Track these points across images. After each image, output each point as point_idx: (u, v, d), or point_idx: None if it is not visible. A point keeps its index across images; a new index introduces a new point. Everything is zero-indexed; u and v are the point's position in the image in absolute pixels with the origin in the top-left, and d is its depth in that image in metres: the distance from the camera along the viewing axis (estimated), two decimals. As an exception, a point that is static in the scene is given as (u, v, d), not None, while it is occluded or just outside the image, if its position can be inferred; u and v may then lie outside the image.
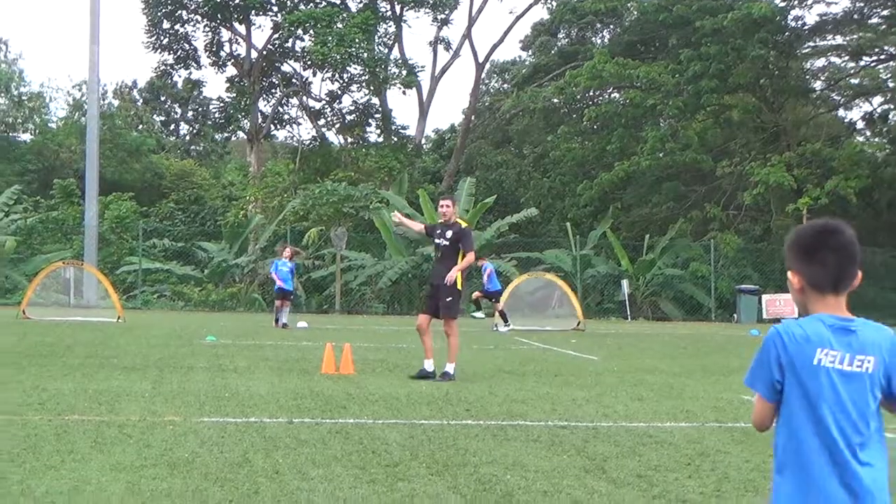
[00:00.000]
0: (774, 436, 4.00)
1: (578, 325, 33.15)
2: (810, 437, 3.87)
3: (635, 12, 58.84)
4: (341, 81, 58.54)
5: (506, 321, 31.98)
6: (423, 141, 66.77)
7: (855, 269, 3.97)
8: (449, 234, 16.07)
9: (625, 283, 45.45)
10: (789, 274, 4.09)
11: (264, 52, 58.73)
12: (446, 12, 59.70)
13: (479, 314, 36.25)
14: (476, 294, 34.99)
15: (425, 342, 16.12)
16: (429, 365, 16.04)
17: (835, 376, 3.86)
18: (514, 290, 34.24)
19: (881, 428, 3.91)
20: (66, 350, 19.58)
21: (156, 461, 8.74)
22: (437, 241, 16.25)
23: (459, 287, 16.05)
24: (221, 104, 61.11)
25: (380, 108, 59.71)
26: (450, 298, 15.99)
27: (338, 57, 52.77)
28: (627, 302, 45.14)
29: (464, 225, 16.73)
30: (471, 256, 16.19)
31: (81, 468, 8.35)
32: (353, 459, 9.06)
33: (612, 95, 59.85)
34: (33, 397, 12.61)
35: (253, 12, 57.58)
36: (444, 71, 61.01)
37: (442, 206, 16.60)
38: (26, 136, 68.13)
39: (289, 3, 56.75)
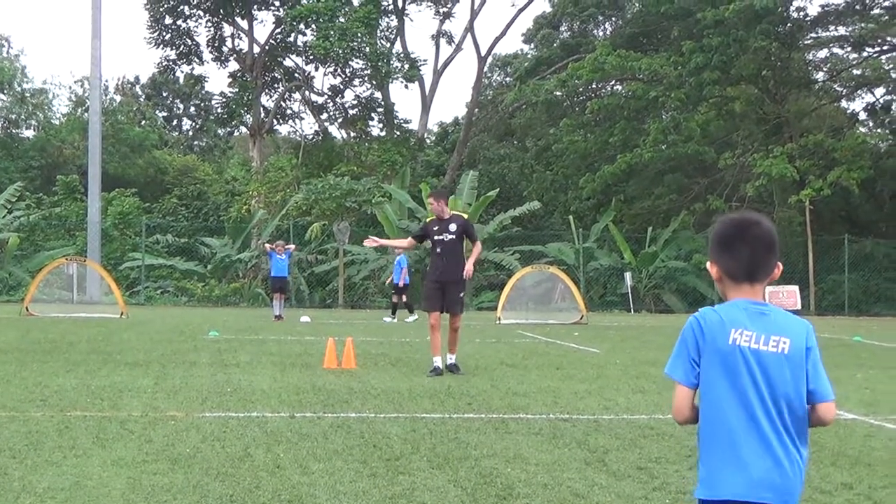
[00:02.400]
0: (700, 420, 4.21)
1: (581, 318, 33.16)
2: (732, 410, 4.05)
3: (637, 4, 58.80)
4: (343, 76, 58.53)
5: (411, 311, 32.83)
6: (426, 135, 66.76)
7: (771, 260, 4.16)
8: (453, 227, 16.05)
9: (627, 275, 45.47)
10: (708, 264, 4.29)
11: (266, 47, 58.72)
12: (448, 6, 59.71)
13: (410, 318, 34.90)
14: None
15: (437, 339, 16.07)
16: (439, 361, 15.99)
17: (749, 354, 4.03)
18: (517, 284, 34.26)
19: (802, 408, 4.05)
20: (69, 346, 19.61)
21: (157, 456, 8.75)
22: (438, 237, 16.10)
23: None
24: (224, 99, 61.09)
25: (382, 102, 59.67)
26: (463, 294, 16.11)
27: (340, 51, 52.77)
28: (630, 294, 45.16)
29: (466, 216, 16.77)
30: (479, 246, 16.33)
31: (83, 464, 8.37)
32: (354, 453, 9.08)
33: (615, 88, 59.79)
34: (35, 393, 12.64)
35: (255, 7, 57.62)
36: (446, 65, 61.06)
37: (432, 205, 16.53)
38: (29, 133, 68.13)
39: (290, -3, 56.71)
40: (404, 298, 33.19)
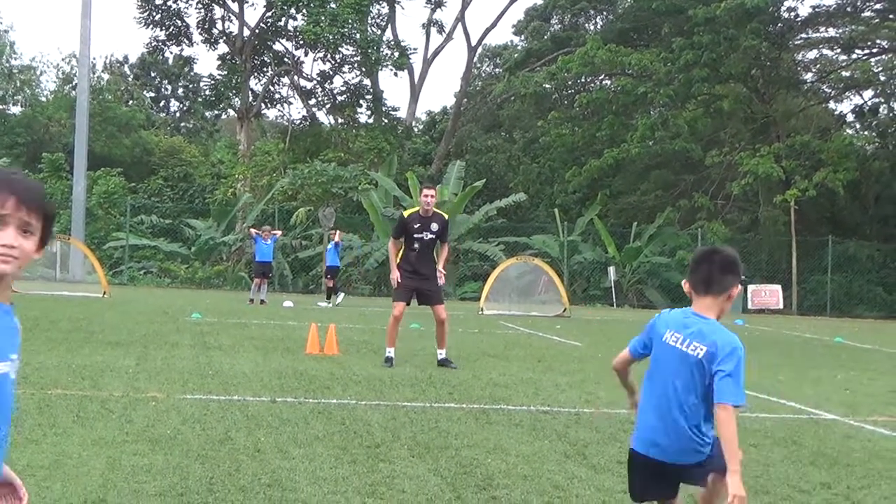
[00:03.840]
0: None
1: (564, 311, 33.21)
2: (653, 386, 5.46)
3: (629, -1, 58.88)
4: (333, 62, 58.41)
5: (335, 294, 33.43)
6: (414, 123, 66.73)
7: (726, 279, 5.33)
8: (435, 227, 15.65)
9: (611, 269, 45.56)
10: (683, 282, 5.63)
11: (256, 31, 58.53)
12: (439, -5, 59.64)
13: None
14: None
15: (395, 331, 15.77)
16: (393, 353, 15.64)
17: (671, 350, 5.32)
18: (501, 275, 34.30)
19: (704, 404, 5.23)
20: (51, 324, 19.54)
21: (137, 437, 8.74)
22: (419, 235, 15.57)
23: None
24: (212, 81, 60.89)
25: (371, 90, 59.58)
26: (440, 284, 15.94)
27: (330, 37, 52.66)
28: (613, 289, 45.25)
29: (447, 216, 16.61)
30: (448, 248, 16.36)
31: (63, 442, 8.35)
32: (334, 440, 9.08)
33: (604, 82, 59.87)
34: (20, 372, 12.57)
35: (246, -10, 57.38)
36: (436, 54, 61.00)
37: (426, 196, 15.82)
38: (16, 109, 67.86)
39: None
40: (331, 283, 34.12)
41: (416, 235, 15.57)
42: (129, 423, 9.41)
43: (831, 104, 60.33)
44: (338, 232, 35.49)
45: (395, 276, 15.63)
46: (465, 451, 8.88)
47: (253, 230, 35.54)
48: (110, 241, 47.30)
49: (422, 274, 15.68)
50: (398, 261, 15.73)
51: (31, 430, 8.77)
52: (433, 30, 61.35)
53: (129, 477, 7.32)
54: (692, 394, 5.21)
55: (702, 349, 5.15)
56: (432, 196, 15.84)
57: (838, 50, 55.33)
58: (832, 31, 54.46)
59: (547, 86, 57.79)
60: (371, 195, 45.97)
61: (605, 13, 65.59)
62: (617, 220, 53.02)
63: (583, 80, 58.98)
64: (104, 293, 31.45)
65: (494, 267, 37.40)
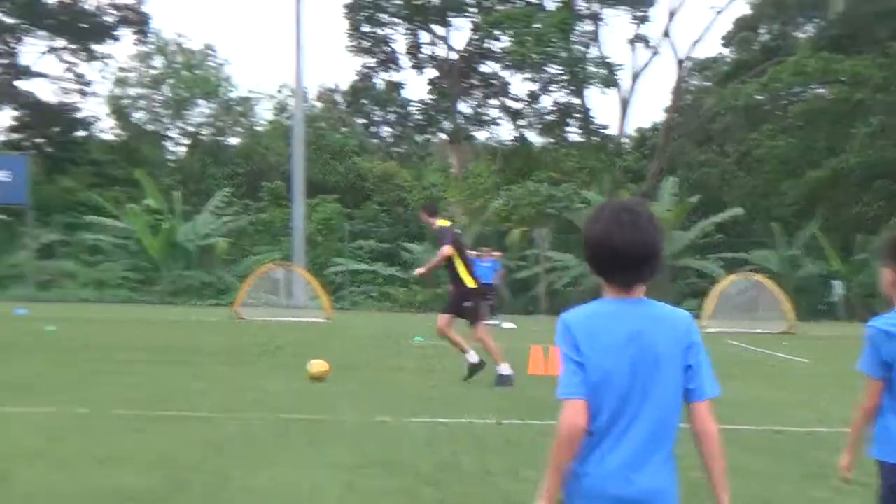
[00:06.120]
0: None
1: (789, 327, 32.40)
2: None
3: (841, 4, 57.16)
4: (540, 81, 58.50)
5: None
6: (624, 140, 66.23)
7: None
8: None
9: (836, 284, 44.19)
10: (885, 271, 4.79)
11: (463, 54, 59.10)
12: (645, 9, 59.05)
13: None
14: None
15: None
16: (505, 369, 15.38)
17: None
18: (722, 292, 33.71)
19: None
20: (278, 350, 20.05)
21: (369, 460, 8.84)
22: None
23: None
24: (422, 106, 61.77)
25: (580, 108, 59.43)
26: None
27: (536, 57, 52.76)
28: (840, 304, 43.86)
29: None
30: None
31: (299, 466, 8.51)
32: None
33: (818, 91, 58.25)
34: (249, 396, 12.94)
35: (451, 14, 58.01)
36: (643, 69, 60.38)
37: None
38: (235, 140, 70.11)
39: (486, 3, 56.99)
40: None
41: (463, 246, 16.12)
42: (362, 446, 9.53)
43: None
44: (488, 250, 35.13)
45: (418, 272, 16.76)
46: (694, 473, 8.64)
47: (470, 252, 35.70)
48: (330, 266, 48.35)
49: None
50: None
51: (269, 454, 8.98)
52: (640, 45, 60.81)
53: (364, 501, 7.41)
54: None
55: None
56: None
57: None
58: None
59: (759, 97, 56.55)
60: (584, 214, 45.77)
61: (815, 20, 63.85)
62: (838, 233, 51.38)
63: (795, 89, 57.50)
64: (327, 318, 32.13)
65: (712, 283, 36.75)
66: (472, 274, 15.57)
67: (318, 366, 14.86)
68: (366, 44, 59.59)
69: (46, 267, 48.20)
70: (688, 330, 3.59)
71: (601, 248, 3.62)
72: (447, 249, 15.38)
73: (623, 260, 3.55)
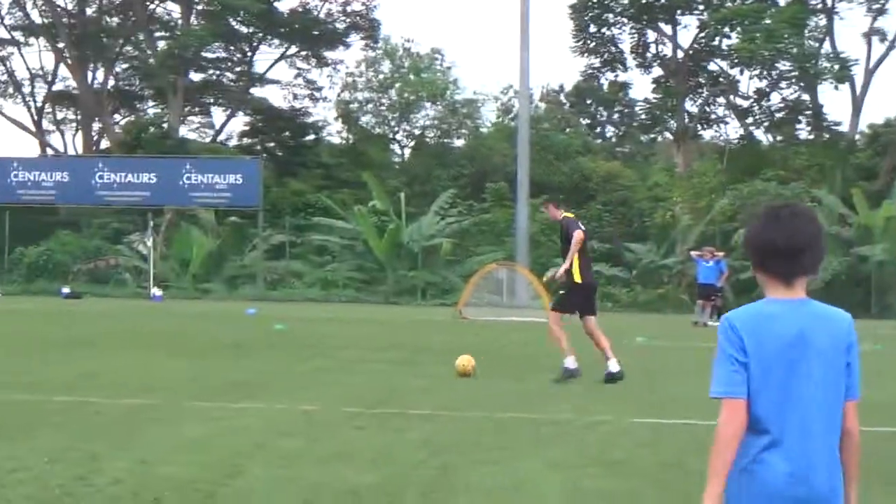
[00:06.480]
0: None
1: None
2: None
3: None
4: (770, 78, 57.29)
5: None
6: (857, 137, 64.14)
7: None
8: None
9: None
10: None
11: (690, 52, 58.38)
12: (882, 2, 57.05)
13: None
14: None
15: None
16: (613, 365, 15.06)
17: None
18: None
19: None
20: (500, 349, 20.16)
21: (592, 460, 8.80)
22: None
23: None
24: (647, 105, 61.28)
25: (810, 105, 57.88)
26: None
27: (766, 53, 51.70)
28: None
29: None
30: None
31: (521, 465, 8.53)
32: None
33: None
34: (471, 394, 13.05)
35: (679, 12, 57.38)
36: (879, 63, 58.33)
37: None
38: (459, 142, 70.89)
39: (715, 1, 56.14)
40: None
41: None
42: (583, 446, 9.50)
43: None
44: (711, 250, 34.58)
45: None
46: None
47: (693, 252, 35.33)
48: (553, 266, 48.30)
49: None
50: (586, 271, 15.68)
51: (490, 452, 9.03)
52: (875, 39, 58.78)
53: (588, 501, 7.37)
54: None
55: None
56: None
57: None
58: None
59: None
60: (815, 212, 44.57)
61: None
62: None
63: None
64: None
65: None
66: (583, 270, 15.39)
67: (464, 361, 15.02)
68: (591, 44, 59.48)
69: (275, 267, 49.68)
70: (848, 330, 3.60)
71: (760, 240, 3.66)
72: (580, 234, 15.31)
73: (781, 251, 3.59)
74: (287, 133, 68.14)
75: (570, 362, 15.07)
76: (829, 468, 3.52)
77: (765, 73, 56.48)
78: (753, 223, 3.74)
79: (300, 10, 65.55)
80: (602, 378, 14.79)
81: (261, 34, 65.72)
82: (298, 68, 69.47)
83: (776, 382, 3.49)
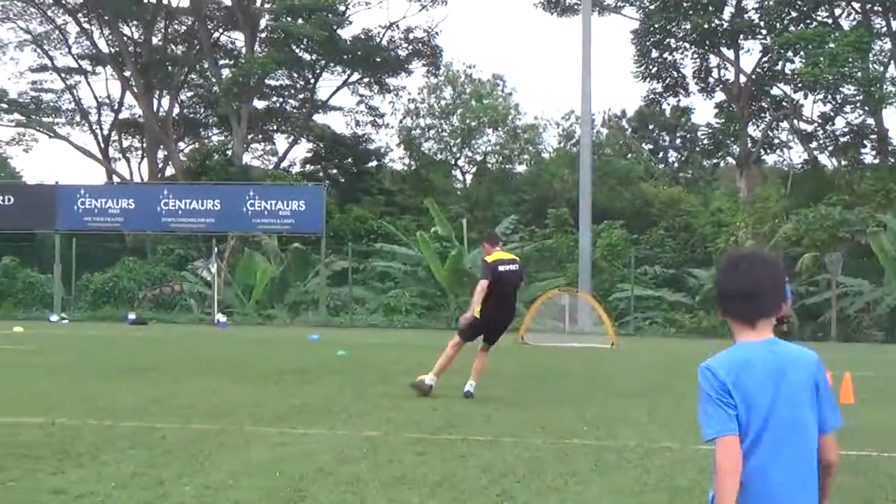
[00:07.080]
0: None
1: None
2: None
3: None
4: (834, 102, 56.87)
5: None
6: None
7: None
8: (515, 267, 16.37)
9: None
10: None
11: (753, 76, 58.13)
12: (947, 25, 56.57)
13: None
14: None
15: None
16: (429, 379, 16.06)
17: None
18: None
19: None
20: (563, 375, 20.13)
21: (655, 487, 8.78)
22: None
23: None
24: (710, 130, 61.05)
25: (875, 129, 57.39)
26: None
27: (830, 77, 51.31)
28: None
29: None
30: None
31: (584, 491, 8.54)
32: (859, 491, 8.70)
33: None
34: (533, 420, 13.05)
35: (741, 37, 57.21)
36: (946, 86, 57.74)
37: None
38: (521, 168, 71.00)
39: (778, 25, 55.89)
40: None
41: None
42: (646, 473, 9.48)
43: None
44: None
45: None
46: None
47: None
48: (615, 292, 48.19)
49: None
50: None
51: (553, 479, 9.04)
52: (941, 61, 58.23)
53: (649, 527, 7.36)
54: None
55: None
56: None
57: None
58: None
59: None
60: (880, 238, 44.07)
61: None
62: None
63: None
64: (612, 344, 32.04)
65: None
66: (487, 307, 15.89)
67: None
68: (653, 69, 59.38)
69: (338, 293, 49.91)
70: (818, 367, 3.91)
71: (721, 287, 4.04)
72: (484, 283, 15.92)
73: (738, 297, 3.94)
74: (349, 159, 68.60)
75: (430, 379, 16.10)
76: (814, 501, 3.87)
77: (829, 97, 56.07)
78: (719, 271, 4.10)
79: (363, 37, 65.98)
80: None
81: (323, 61, 66.17)
82: (361, 95, 69.94)
83: (759, 419, 3.79)
